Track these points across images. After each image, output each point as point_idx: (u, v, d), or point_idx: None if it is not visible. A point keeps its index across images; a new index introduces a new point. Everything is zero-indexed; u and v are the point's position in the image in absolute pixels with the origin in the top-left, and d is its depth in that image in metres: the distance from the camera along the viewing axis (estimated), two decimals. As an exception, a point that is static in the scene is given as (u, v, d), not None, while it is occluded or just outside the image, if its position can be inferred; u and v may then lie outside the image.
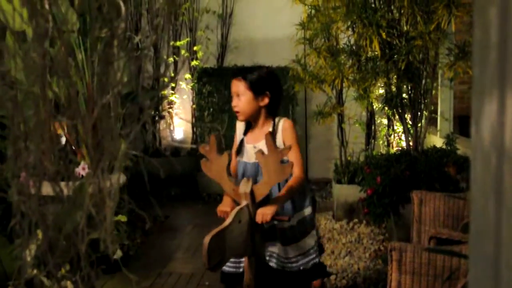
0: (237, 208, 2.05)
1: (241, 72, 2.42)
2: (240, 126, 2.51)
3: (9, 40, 3.69)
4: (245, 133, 2.44)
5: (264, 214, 2.07)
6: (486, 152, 0.63)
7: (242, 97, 2.33)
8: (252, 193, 2.08)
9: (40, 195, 3.01)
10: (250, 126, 2.45)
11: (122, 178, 3.40)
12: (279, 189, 2.27)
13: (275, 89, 2.43)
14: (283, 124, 2.38)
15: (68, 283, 2.62)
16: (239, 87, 2.34)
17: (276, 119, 2.41)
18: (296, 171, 2.24)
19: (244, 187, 2.08)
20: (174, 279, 3.87)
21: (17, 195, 1.74)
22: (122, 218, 3.51)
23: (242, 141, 2.45)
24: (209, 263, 1.84)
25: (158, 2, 1.03)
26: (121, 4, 1.02)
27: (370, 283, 3.47)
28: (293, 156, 2.20)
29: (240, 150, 2.44)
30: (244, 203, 2.08)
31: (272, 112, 2.41)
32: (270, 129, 2.35)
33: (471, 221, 0.70)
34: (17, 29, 1.32)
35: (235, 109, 2.37)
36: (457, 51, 3.55)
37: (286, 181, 2.25)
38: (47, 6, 1.31)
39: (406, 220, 3.43)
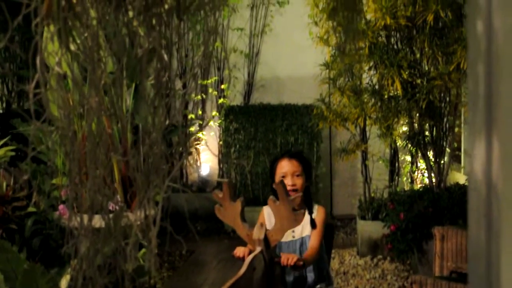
0: (251, 255, 2.06)
1: (292, 152, 2.61)
2: (268, 210, 2.58)
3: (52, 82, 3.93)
4: None
5: (290, 257, 2.16)
6: (479, 184, 0.75)
7: (298, 179, 2.49)
8: (266, 239, 2.11)
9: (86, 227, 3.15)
10: None
11: (153, 212, 3.54)
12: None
13: (311, 174, 2.67)
14: (319, 210, 2.55)
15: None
16: (296, 168, 2.50)
17: (315, 206, 2.56)
18: (313, 245, 2.41)
19: (258, 233, 2.12)
20: (200, 312, 3.95)
21: (69, 225, 1.89)
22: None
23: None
24: None
25: (197, 55, 1.18)
26: (164, 55, 1.17)
27: None
28: (316, 237, 2.42)
29: None
30: (258, 249, 2.10)
31: (307, 194, 2.54)
32: (307, 216, 2.46)
33: (468, 245, 0.81)
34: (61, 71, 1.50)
35: (293, 188, 2.47)
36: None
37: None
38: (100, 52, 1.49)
39: (430, 256, 3.47)
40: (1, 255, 2.39)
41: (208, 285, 4.58)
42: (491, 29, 0.69)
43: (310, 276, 2.47)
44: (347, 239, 5.85)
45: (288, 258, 2.16)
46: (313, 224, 2.46)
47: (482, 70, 0.74)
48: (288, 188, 2.44)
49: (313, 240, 2.40)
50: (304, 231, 2.42)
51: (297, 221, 2.12)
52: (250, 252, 2.15)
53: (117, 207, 3.01)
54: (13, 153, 3.15)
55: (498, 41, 0.70)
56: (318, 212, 2.53)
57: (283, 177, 2.49)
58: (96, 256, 2.69)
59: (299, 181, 2.48)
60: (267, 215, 2.55)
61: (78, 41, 1.47)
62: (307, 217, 2.47)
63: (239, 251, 2.27)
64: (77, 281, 2.41)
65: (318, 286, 2.49)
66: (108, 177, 3.14)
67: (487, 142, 0.72)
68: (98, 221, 2.84)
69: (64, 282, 2.60)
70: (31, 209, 2.79)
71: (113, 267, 2.72)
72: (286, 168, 2.50)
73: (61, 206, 2.91)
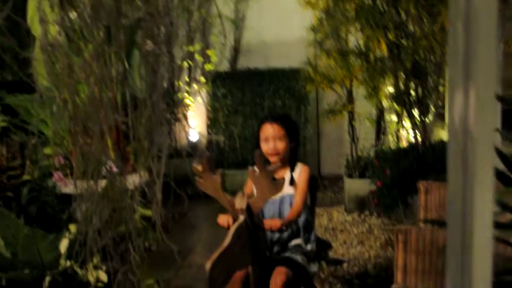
0: (235, 225, 2.12)
1: (274, 116, 2.62)
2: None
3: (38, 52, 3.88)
4: None
5: (273, 223, 2.26)
6: (457, 130, 0.85)
7: (280, 143, 2.54)
8: (248, 207, 2.17)
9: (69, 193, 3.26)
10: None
11: (145, 176, 3.63)
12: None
13: (297, 135, 2.68)
14: (301, 169, 2.60)
15: (100, 272, 2.85)
16: (278, 131, 2.54)
17: (298, 165, 2.62)
18: (295, 207, 2.48)
19: (240, 203, 2.17)
20: (194, 271, 4.10)
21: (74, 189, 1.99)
22: (147, 212, 3.73)
23: None
24: (213, 285, 1.96)
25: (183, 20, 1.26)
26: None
27: (381, 269, 3.68)
28: (298, 196, 2.50)
29: None
30: (241, 218, 2.15)
31: (293, 155, 2.61)
32: (288, 174, 2.54)
33: (448, 187, 0.92)
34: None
35: (274, 152, 2.53)
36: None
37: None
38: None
39: (415, 210, 3.63)
40: (1, 221, 2.47)
41: (201, 246, 4.74)
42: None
43: (287, 232, 2.54)
44: (335, 197, 6.03)
45: (271, 225, 2.26)
46: (291, 182, 2.52)
47: (461, 29, 0.83)
48: (270, 152, 2.53)
49: (296, 199, 2.48)
50: (284, 189, 2.43)
51: (277, 190, 2.20)
52: (234, 220, 2.20)
53: (112, 171, 3.07)
54: (5, 124, 3.20)
55: (475, 1, 0.78)
56: (301, 171, 2.59)
57: (266, 140, 2.55)
58: (95, 219, 2.79)
59: (281, 145, 2.53)
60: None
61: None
62: (288, 175, 2.56)
63: (223, 220, 2.31)
64: (79, 243, 2.51)
65: (293, 242, 2.56)
66: (102, 143, 3.21)
67: (464, 93, 0.82)
68: (95, 186, 2.92)
69: (63, 245, 2.71)
70: (25, 177, 2.87)
71: (112, 228, 2.82)
72: (267, 132, 2.56)
73: (56, 173, 2.99)
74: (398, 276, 2.34)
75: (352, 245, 4.34)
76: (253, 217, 2.18)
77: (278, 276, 2.31)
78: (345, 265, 3.87)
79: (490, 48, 0.76)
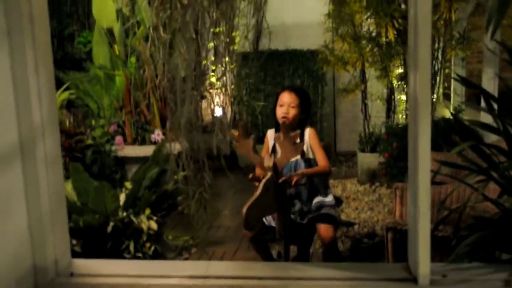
0: (264, 179, 2.54)
1: (292, 87, 3.10)
2: (271, 134, 3.14)
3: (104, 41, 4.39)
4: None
5: (295, 176, 2.74)
6: (412, 97, 1.37)
7: (293, 109, 2.96)
8: (275, 165, 2.62)
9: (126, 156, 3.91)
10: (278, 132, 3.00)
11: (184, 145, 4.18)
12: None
13: (309, 109, 3.12)
14: (309, 132, 3.07)
15: (151, 222, 3.40)
16: (293, 100, 2.96)
17: (306, 129, 3.07)
18: (322, 162, 2.96)
19: (268, 161, 2.61)
20: (223, 230, 4.67)
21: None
22: (186, 173, 4.28)
23: (274, 146, 3.08)
24: (247, 226, 2.42)
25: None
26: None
27: (384, 230, 4.20)
28: (319, 154, 2.96)
29: (274, 153, 3.03)
30: (269, 174, 2.58)
31: (302, 124, 3.05)
32: (298, 139, 2.90)
33: (409, 132, 1.43)
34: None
35: (286, 116, 2.94)
36: (458, 36, 4.22)
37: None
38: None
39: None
40: (75, 175, 3.05)
41: (228, 210, 5.31)
42: (415, 14, 1.29)
43: (306, 190, 3.01)
44: (349, 171, 6.54)
45: (294, 177, 2.73)
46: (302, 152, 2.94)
47: (412, 36, 1.34)
48: (282, 115, 2.95)
49: (319, 156, 2.97)
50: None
51: (298, 151, 2.66)
52: (263, 176, 2.62)
53: (159, 139, 3.68)
54: (74, 96, 3.79)
55: (418, 21, 1.29)
56: (310, 135, 3.03)
57: (281, 105, 2.97)
58: (144, 179, 3.42)
59: (292, 111, 2.94)
60: (270, 138, 3.12)
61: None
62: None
63: (258, 171, 2.78)
64: (130, 197, 3.14)
65: (316, 200, 3.00)
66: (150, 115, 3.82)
67: (414, 74, 1.34)
68: (144, 151, 3.63)
69: (122, 197, 3.27)
70: (89, 141, 3.45)
71: (157, 187, 3.45)
72: (284, 99, 2.98)
73: (118, 137, 3.56)
74: (395, 224, 2.86)
75: (363, 210, 4.87)
76: (278, 173, 2.67)
77: (326, 231, 2.84)
78: (356, 226, 4.40)
79: (427, 46, 1.27)
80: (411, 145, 1.41)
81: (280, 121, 2.99)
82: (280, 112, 2.99)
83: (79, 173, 3.02)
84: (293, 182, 2.74)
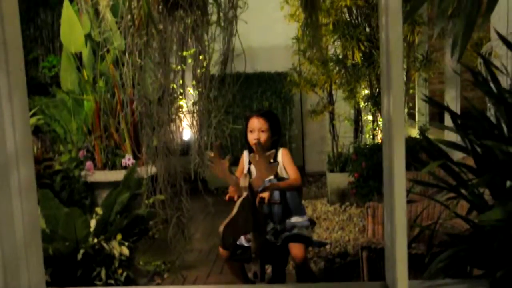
0: (240, 199, 2.59)
1: (260, 111, 3.12)
2: (246, 155, 3.16)
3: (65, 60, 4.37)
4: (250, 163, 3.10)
5: (266, 195, 2.75)
6: (386, 118, 1.40)
7: (263, 134, 3.00)
8: (250, 185, 2.66)
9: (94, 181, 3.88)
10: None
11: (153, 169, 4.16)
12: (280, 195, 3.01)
13: (280, 130, 3.18)
14: (282, 152, 3.12)
15: (123, 247, 3.34)
16: (262, 124, 3.01)
17: (279, 150, 3.12)
18: (293, 176, 3.02)
19: (244, 181, 2.66)
20: (195, 254, 4.62)
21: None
22: (160, 197, 4.24)
23: (249, 169, 3.11)
24: (224, 246, 2.51)
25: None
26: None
27: (359, 249, 4.24)
28: (291, 169, 3.02)
29: (249, 173, 3.04)
30: (244, 194, 2.63)
31: (275, 145, 3.10)
32: (272, 159, 2.95)
33: (383, 152, 1.47)
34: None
35: (257, 141, 2.92)
36: (421, 58, 4.36)
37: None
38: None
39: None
40: (45, 202, 2.98)
41: (199, 233, 5.27)
42: (387, 39, 1.34)
43: (280, 208, 3.05)
44: (318, 191, 6.60)
45: (267, 189, 2.76)
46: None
47: (385, 60, 1.38)
48: (254, 141, 2.97)
49: (290, 171, 3.02)
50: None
51: (273, 171, 2.72)
52: (238, 196, 2.67)
53: (130, 164, 3.64)
54: (41, 122, 3.72)
55: (389, 45, 1.34)
56: (283, 155, 3.11)
57: (251, 131, 3.01)
58: (115, 204, 3.37)
59: (263, 136, 2.99)
60: (245, 158, 3.15)
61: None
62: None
63: (231, 191, 2.80)
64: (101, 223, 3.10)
65: (291, 220, 3.05)
66: (120, 139, 3.79)
67: (387, 96, 1.38)
68: (114, 175, 3.60)
69: (93, 223, 3.22)
70: (57, 167, 3.39)
71: (128, 212, 3.41)
72: (254, 125, 3.01)
73: (88, 163, 3.51)
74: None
75: (334, 230, 4.90)
76: (253, 193, 2.69)
77: (298, 250, 2.89)
78: (327, 247, 4.42)
79: (399, 69, 1.32)
80: (386, 164, 1.45)
81: (254, 148, 3.02)
82: (251, 137, 3.03)
83: (48, 200, 2.96)
84: (266, 200, 2.75)
